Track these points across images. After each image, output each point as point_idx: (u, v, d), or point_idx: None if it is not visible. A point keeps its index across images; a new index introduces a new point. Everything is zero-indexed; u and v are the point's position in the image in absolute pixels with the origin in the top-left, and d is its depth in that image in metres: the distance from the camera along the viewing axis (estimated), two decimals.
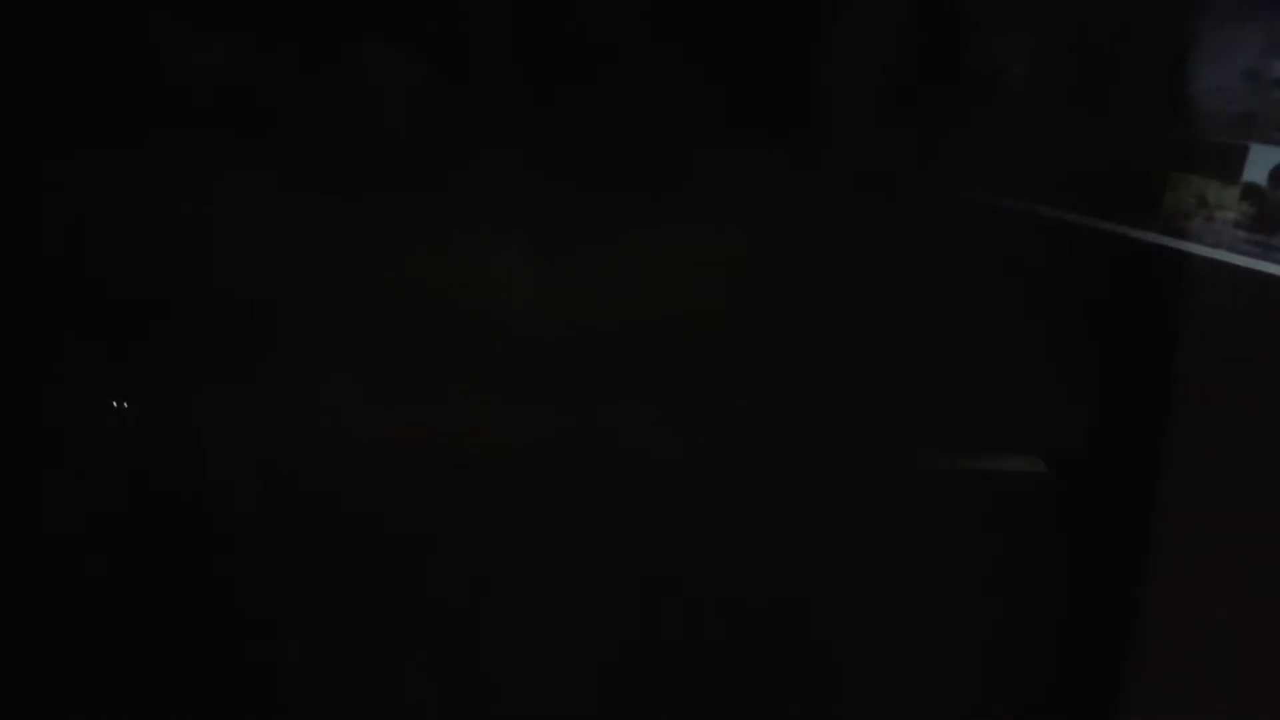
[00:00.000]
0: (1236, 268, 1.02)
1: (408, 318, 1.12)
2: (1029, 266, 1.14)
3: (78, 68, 1.00)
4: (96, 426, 1.12)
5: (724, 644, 1.22)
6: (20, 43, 1.00)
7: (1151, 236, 1.08)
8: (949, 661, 1.18)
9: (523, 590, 1.20)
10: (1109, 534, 1.10)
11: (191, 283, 1.07)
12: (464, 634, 1.20)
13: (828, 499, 1.20)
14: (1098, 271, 1.12)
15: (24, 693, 1.10)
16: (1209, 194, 1.04)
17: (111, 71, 1.01)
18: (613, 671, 1.21)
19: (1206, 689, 1.04)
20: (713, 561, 1.20)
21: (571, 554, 1.18)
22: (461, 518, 1.17)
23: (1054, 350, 1.14)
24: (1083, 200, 1.12)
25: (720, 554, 1.20)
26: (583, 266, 1.15)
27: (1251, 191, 1.02)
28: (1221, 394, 1.04)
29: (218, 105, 1.04)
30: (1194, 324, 1.06)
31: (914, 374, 1.18)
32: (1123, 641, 1.10)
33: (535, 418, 1.16)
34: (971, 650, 1.18)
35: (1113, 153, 1.10)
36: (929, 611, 1.19)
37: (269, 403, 1.12)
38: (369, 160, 1.05)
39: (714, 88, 1.12)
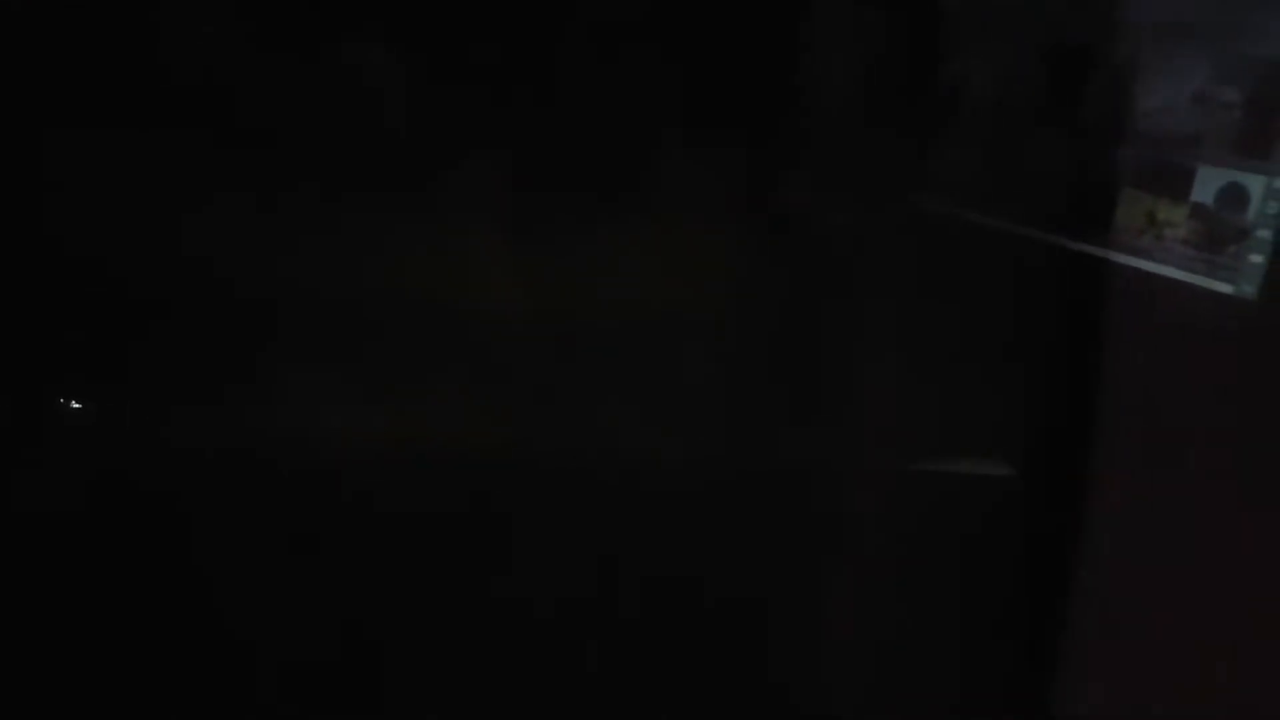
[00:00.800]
0: (1184, 284, 1.07)
1: (384, 316, 1.11)
2: (982, 279, 1.17)
3: (58, 61, 0.98)
4: (77, 425, 1.11)
5: (692, 643, 1.25)
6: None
7: (1101, 251, 1.11)
8: (915, 663, 1.23)
9: (506, 590, 1.21)
10: (1066, 542, 1.15)
11: (174, 280, 1.06)
12: (454, 632, 1.21)
13: (794, 501, 1.23)
14: (1047, 284, 1.15)
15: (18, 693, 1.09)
16: (1159, 212, 1.08)
17: (94, 64, 0.99)
18: (588, 669, 1.23)
19: (1167, 686, 1.10)
20: (678, 561, 1.22)
21: (551, 554, 1.19)
22: (446, 517, 1.17)
23: (1009, 358, 1.17)
24: (1035, 215, 1.14)
25: (688, 555, 1.22)
26: (560, 268, 1.15)
27: (1199, 211, 1.06)
28: (1169, 402, 1.09)
29: (201, 100, 1.02)
30: (1143, 337, 1.10)
31: (873, 380, 1.21)
32: (1084, 641, 1.16)
33: (517, 416, 1.16)
34: (938, 652, 1.23)
35: (1064, 168, 1.12)
36: (895, 613, 1.23)
37: (249, 401, 1.12)
38: (347, 158, 1.05)
39: (683, 98, 1.11)
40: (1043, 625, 1.20)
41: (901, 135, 1.15)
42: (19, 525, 1.09)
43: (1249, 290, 1.03)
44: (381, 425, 1.13)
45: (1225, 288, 1.04)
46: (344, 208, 1.07)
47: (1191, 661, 1.09)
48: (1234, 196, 1.03)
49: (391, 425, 1.13)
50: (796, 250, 1.19)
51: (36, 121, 1.00)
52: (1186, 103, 1.05)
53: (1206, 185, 1.05)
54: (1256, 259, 1.02)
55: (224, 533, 1.13)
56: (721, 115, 1.13)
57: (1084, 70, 1.10)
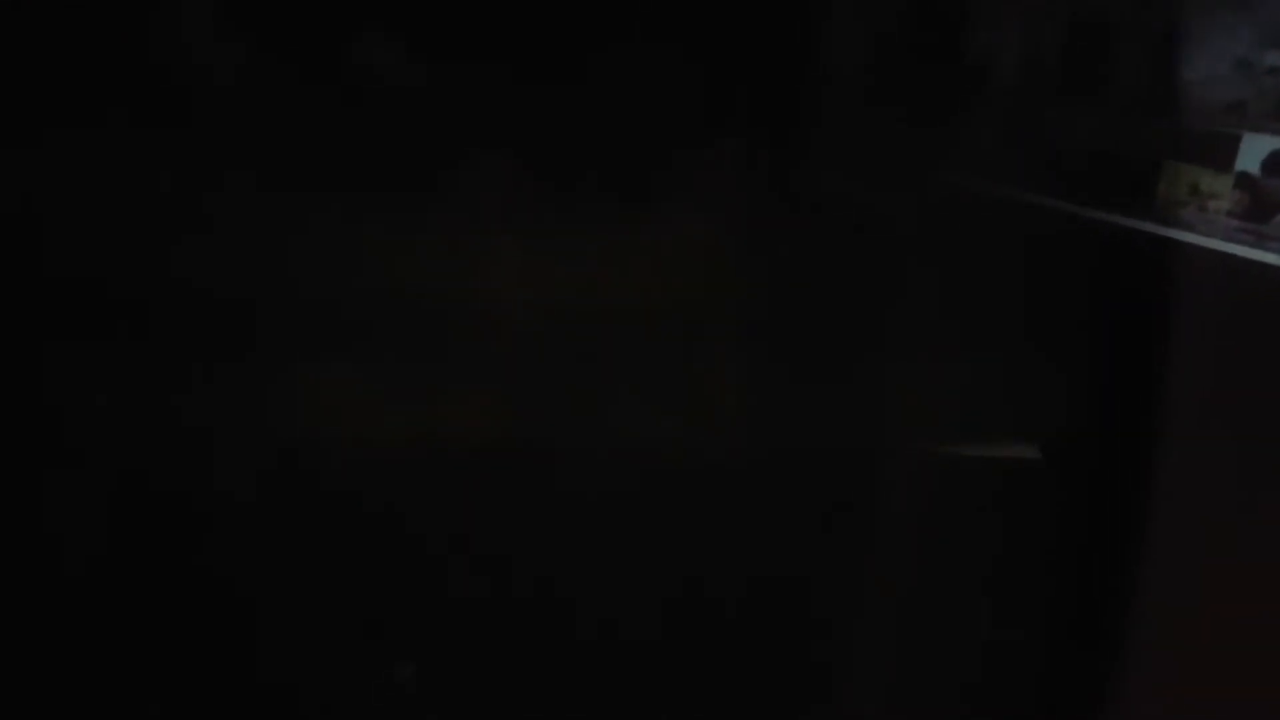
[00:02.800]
0: (1229, 256, 1.03)
1: (393, 313, 1.12)
2: (1022, 256, 1.14)
3: (54, 59, 1.00)
4: (87, 423, 1.11)
5: (724, 627, 1.23)
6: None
7: (1145, 225, 1.08)
8: (943, 647, 1.19)
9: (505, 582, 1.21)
10: (1104, 521, 1.10)
11: (175, 278, 1.07)
12: (457, 627, 1.21)
13: (824, 485, 1.21)
14: (1091, 260, 1.12)
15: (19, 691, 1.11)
16: (1202, 183, 1.04)
17: (92, 62, 1.00)
18: (611, 661, 1.22)
19: (1200, 676, 1.04)
20: (709, 547, 1.21)
21: (558, 545, 1.19)
22: (448, 510, 1.17)
23: (1048, 339, 1.14)
24: (1077, 189, 1.12)
25: (718, 539, 1.21)
26: (581, 261, 1.16)
27: (1244, 180, 1.02)
28: (1215, 382, 1.05)
29: (201, 99, 1.04)
30: (1186, 312, 1.06)
31: (909, 361, 1.19)
32: (1117, 629, 1.11)
33: (525, 412, 1.17)
34: (967, 637, 1.19)
35: (1106, 142, 1.10)
36: (924, 597, 1.19)
37: (257, 398, 1.12)
38: (355, 155, 1.05)
39: (700, 79, 1.12)
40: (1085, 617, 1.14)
41: (938, 112, 1.15)
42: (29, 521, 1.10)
43: None
44: (414, 419, 1.14)
45: (1273, 259, 1.00)
46: (364, 206, 1.08)
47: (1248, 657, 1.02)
48: None
49: (424, 419, 1.14)
50: (840, 234, 1.18)
51: (45, 118, 1.01)
52: (1229, 69, 1.02)
53: (1251, 153, 1.01)
54: None
55: (237, 530, 1.13)
56: (743, 97, 1.14)
57: (1123, 41, 1.08)
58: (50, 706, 1.11)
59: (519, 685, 1.21)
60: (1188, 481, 1.06)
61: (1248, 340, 1.02)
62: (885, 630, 1.21)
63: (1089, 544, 1.12)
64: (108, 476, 1.12)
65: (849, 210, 1.17)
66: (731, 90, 1.12)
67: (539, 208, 1.13)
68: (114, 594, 1.12)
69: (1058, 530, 1.14)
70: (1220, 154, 1.03)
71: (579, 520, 1.18)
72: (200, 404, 1.10)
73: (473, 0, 1.06)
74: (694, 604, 1.22)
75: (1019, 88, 1.12)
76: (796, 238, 1.18)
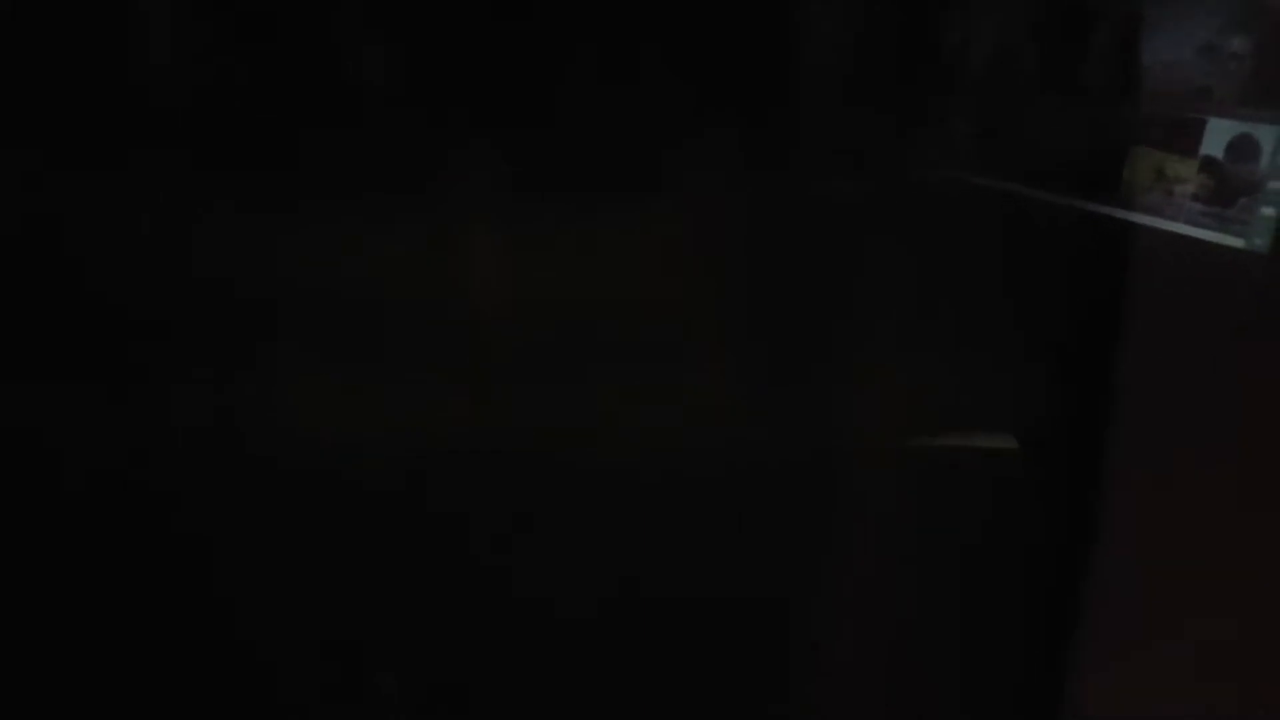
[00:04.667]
0: (1193, 240, 1.04)
1: (382, 312, 1.09)
2: (987, 243, 1.14)
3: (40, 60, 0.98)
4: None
5: (704, 623, 1.22)
6: None
7: (1111, 211, 1.08)
8: (921, 641, 1.19)
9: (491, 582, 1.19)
10: (1080, 509, 1.11)
11: (165, 278, 1.05)
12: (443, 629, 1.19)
13: (798, 478, 1.20)
14: (1056, 247, 1.12)
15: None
16: (1167, 168, 1.05)
17: (75, 61, 0.98)
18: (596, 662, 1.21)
19: (1175, 665, 1.05)
20: (685, 543, 1.19)
21: (552, 546, 1.17)
22: (432, 510, 1.15)
23: (1017, 327, 1.14)
24: (1042, 176, 1.12)
25: (694, 535, 1.19)
26: (560, 253, 1.14)
27: (1209, 165, 1.03)
28: (1181, 366, 1.06)
29: (186, 98, 1.02)
30: (1152, 297, 1.07)
31: (879, 353, 1.18)
32: (1095, 618, 1.12)
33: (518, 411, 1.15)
34: (944, 630, 1.19)
35: (1071, 128, 1.10)
36: (902, 590, 1.19)
37: (244, 396, 1.10)
38: (343, 154, 1.03)
39: (674, 70, 1.10)
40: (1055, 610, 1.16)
41: (902, 101, 1.14)
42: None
43: (1261, 244, 1.00)
44: (405, 416, 1.12)
45: (1237, 242, 1.01)
46: (342, 202, 1.05)
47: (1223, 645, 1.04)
48: (1245, 148, 1.01)
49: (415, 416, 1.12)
50: (817, 225, 1.17)
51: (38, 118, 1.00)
52: (1194, 54, 1.02)
53: (1216, 138, 1.02)
54: (1269, 212, 0.99)
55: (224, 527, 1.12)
56: (720, 89, 1.12)
57: (1087, 27, 1.08)
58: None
59: (496, 687, 1.19)
60: (1158, 465, 1.07)
61: (1212, 324, 1.04)
62: (864, 623, 1.21)
63: (1067, 532, 1.12)
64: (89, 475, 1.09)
65: (817, 201, 1.16)
66: (704, 80, 1.09)
67: (521, 203, 1.10)
68: (98, 594, 1.10)
69: (1036, 519, 1.15)
70: (1185, 139, 1.04)
71: (572, 516, 1.17)
72: (180, 404, 1.08)
73: None
74: (672, 600, 1.21)
75: (982, 75, 1.12)
76: (768, 229, 1.16)
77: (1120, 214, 1.08)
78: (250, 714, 1.18)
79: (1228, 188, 1.02)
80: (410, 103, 1.06)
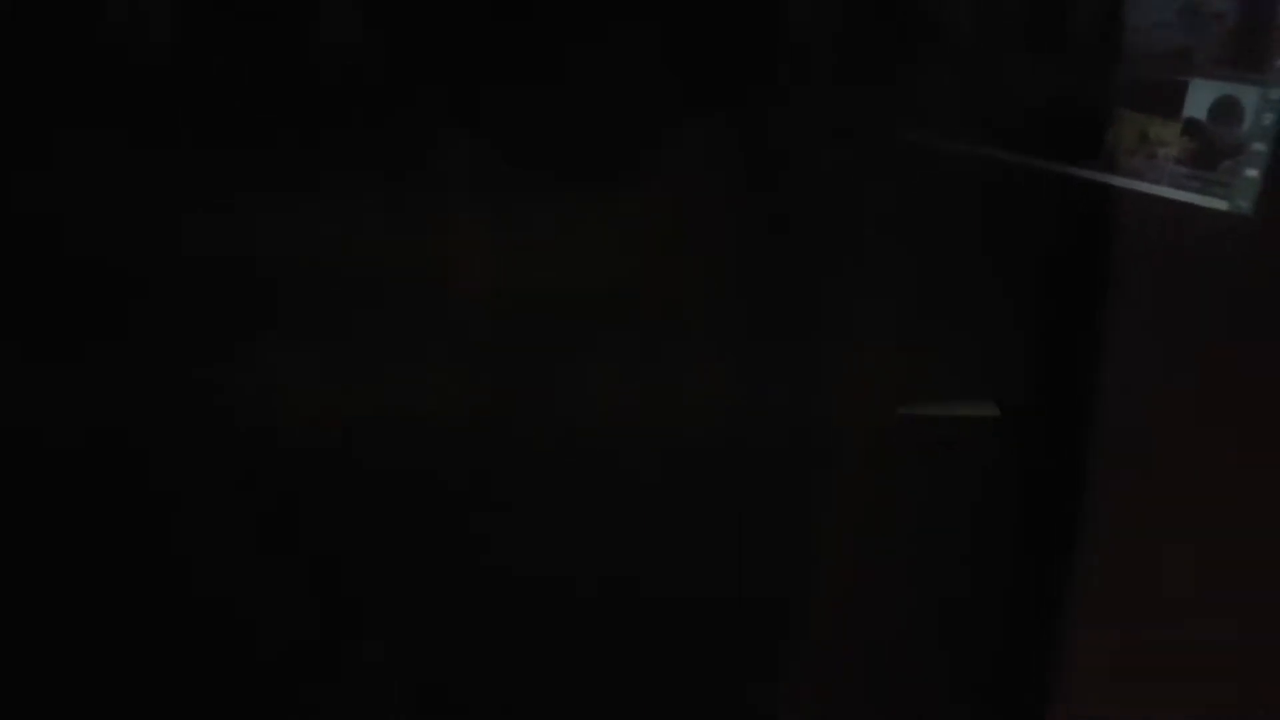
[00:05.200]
0: (1176, 203, 1.03)
1: (366, 292, 1.06)
2: (969, 208, 1.13)
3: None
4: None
5: (690, 602, 1.20)
6: None
7: (1094, 174, 1.08)
8: (903, 611, 1.18)
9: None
10: (1062, 475, 1.11)
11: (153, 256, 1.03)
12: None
13: (779, 450, 1.19)
14: (1040, 211, 1.11)
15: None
16: (1150, 130, 1.05)
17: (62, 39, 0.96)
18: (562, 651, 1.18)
19: (1155, 636, 1.06)
20: (671, 514, 1.17)
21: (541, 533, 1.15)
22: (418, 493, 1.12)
23: (1000, 292, 1.14)
24: (1024, 140, 1.11)
25: (678, 506, 1.17)
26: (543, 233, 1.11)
27: (1192, 127, 1.02)
28: (1165, 330, 1.06)
29: (172, 75, 0.99)
30: (1136, 261, 1.07)
31: (861, 321, 1.16)
32: (1077, 590, 1.12)
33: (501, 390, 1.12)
34: (926, 600, 1.19)
35: (1053, 91, 1.09)
36: (887, 563, 1.18)
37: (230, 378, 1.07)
38: (326, 133, 1.01)
39: (660, 45, 1.08)
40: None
41: (883, 64, 1.11)
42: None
43: (1244, 206, 1.00)
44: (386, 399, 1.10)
45: (1220, 204, 1.01)
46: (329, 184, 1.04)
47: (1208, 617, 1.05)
48: (1227, 110, 1.00)
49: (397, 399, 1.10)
50: (793, 195, 1.15)
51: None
52: (1175, 15, 1.02)
53: (1199, 100, 1.02)
54: (1251, 173, 0.99)
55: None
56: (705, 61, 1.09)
57: None
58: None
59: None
60: (1141, 429, 1.07)
61: (1195, 287, 1.04)
62: (848, 596, 1.20)
63: (1049, 502, 1.12)
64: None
65: (798, 167, 1.13)
66: (682, 46, 1.06)
67: (509, 186, 1.07)
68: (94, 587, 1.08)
69: (1017, 489, 1.14)
70: (1168, 101, 1.03)
71: (568, 502, 1.14)
72: (167, 387, 1.05)
73: None
74: (660, 575, 1.19)
75: (964, 37, 1.10)
76: (748, 196, 1.13)
77: (1104, 178, 1.07)
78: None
79: (1211, 150, 1.01)
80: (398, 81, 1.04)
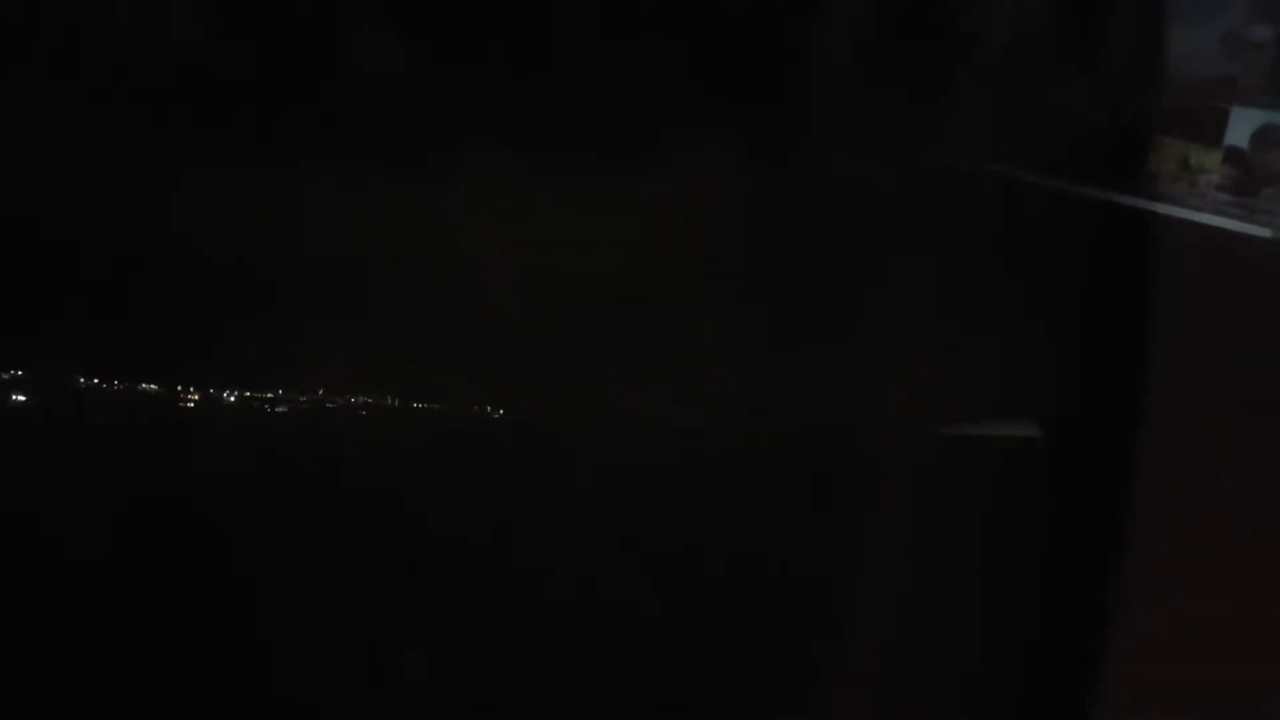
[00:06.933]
0: (1218, 230, 1.05)
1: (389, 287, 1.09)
2: (1012, 233, 1.14)
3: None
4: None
5: (728, 601, 1.20)
6: None
7: (1137, 201, 1.09)
8: (942, 628, 1.18)
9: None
10: (1103, 498, 1.12)
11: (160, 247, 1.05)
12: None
13: (819, 465, 1.19)
14: (1082, 236, 1.12)
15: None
16: (1192, 157, 1.06)
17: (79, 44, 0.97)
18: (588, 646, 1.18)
19: (1199, 649, 1.06)
20: (710, 525, 1.18)
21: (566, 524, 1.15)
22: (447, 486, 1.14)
23: (1041, 316, 1.14)
24: (1068, 166, 1.11)
25: (718, 518, 1.18)
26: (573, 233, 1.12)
27: (1234, 154, 1.04)
28: (1206, 355, 1.07)
29: (194, 79, 1.00)
30: (1178, 287, 1.08)
31: (903, 341, 1.17)
32: (1118, 609, 1.13)
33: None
34: (965, 617, 1.19)
35: (1097, 118, 1.10)
36: (923, 578, 1.18)
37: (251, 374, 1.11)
38: (347, 133, 1.02)
39: (692, 57, 1.07)
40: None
41: (927, 89, 1.12)
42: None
43: None
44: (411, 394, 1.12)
45: (1263, 231, 1.03)
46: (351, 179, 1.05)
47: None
48: (1270, 138, 1.02)
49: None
50: (833, 214, 1.16)
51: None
52: (1217, 44, 1.03)
53: (1240, 128, 1.03)
54: None
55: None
56: (734, 76, 1.10)
57: (1113, 17, 1.08)
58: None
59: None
60: (1181, 454, 1.08)
61: (1237, 313, 1.05)
62: (883, 611, 1.20)
63: (1090, 522, 1.13)
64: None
65: (841, 188, 1.14)
66: (723, 66, 1.06)
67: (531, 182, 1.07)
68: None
69: (1059, 508, 1.15)
70: (1210, 128, 1.04)
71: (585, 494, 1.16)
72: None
73: None
74: (689, 580, 1.19)
75: (1008, 64, 1.11)
76: (790, 216, 1.14)
77: (1146, 204, 1.08)
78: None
79: (1253, 177, 1.03)
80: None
